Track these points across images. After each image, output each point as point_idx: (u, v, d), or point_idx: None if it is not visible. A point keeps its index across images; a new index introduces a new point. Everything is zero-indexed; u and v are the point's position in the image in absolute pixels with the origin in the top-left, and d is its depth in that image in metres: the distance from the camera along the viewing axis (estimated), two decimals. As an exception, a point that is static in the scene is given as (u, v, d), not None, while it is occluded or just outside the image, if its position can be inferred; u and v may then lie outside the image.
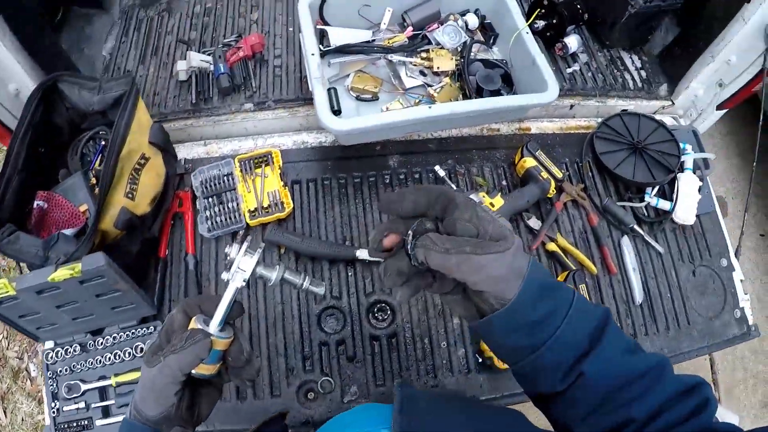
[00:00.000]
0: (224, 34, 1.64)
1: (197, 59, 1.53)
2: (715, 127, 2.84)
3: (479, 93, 1.47)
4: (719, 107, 1.66)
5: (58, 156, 1.31)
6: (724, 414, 1.68)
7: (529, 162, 1.41)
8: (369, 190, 1.43)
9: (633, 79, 1.71)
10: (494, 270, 0.55)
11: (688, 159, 1.57)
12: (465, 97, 1.47)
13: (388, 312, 1.32)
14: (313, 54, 1.37)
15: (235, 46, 1.57)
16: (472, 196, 1.35)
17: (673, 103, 1.71)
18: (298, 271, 0.77)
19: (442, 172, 1.43)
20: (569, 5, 1.66)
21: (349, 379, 1.26)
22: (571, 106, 1.64)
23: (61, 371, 1.22)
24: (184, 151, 1.50)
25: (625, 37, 1.72)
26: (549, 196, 1.42)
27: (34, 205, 1.17)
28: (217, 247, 1.38)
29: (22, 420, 2.08)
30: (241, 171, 1.42)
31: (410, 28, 1.52)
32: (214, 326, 0.67)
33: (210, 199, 1.41)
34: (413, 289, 0.62)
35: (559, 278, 1.34)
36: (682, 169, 1.56)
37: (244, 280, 0.70)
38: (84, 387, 1.20)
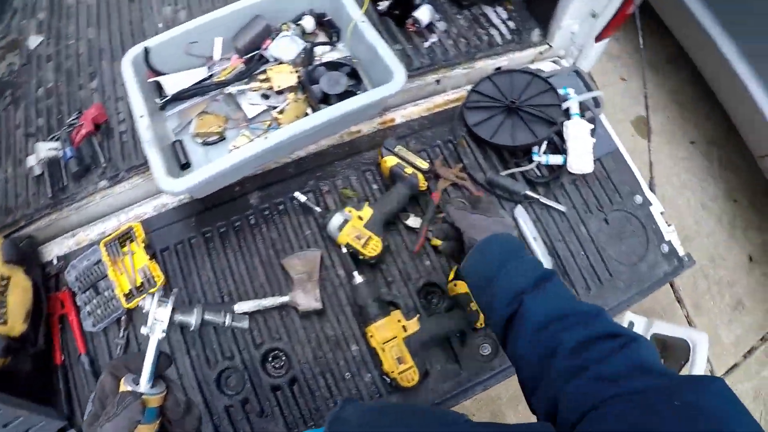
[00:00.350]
0: (68, 113, 1.57)
1: (45, 149, 1.47)
2: (615, 49, 2.68)
3: (327, 100, 1.38)
4: (598, 39, 1.52)
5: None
6: (690, 333, 1.60)
7: (390, 161, 1.31)
8: (236, 238, 1.35)
9: (501, 33, 1.58)
10: (476, 222, 0.98)
11: (573, 104, 1.44)
12: (314, 109, 1.39)
13: (283, 358, 1.25)
14: (141, 116, 1.29)
15: (77, 124, 1.50)
16: (336, 216, 1.26)
17: (551, 46, 1.58)
18: (218, 309, 0.80)
19: (302, 198, 1.33)
20: (409, -25, 1.55)
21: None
22: (438, 81, 1.53)
23: None
24: (55, 248, 1.44)
25: (480, -10, 1.60)
26: (422, 189, 1.33)
27: None
28: (107, 338, 1.33)
29: None
30: (108, 255, 1.36)
31: (235, 56, 1.42)
32: (144, 384, 0.65)
33: (88, 293, 1.35)
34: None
35: (449, 276, 1.26)
36: (568, 117, 1.44)
37: (163, 331, 0.72)
38: None
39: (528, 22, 1.61)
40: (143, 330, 0.71)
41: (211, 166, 1.21)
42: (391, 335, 1.18)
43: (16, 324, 1.19)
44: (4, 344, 1.13)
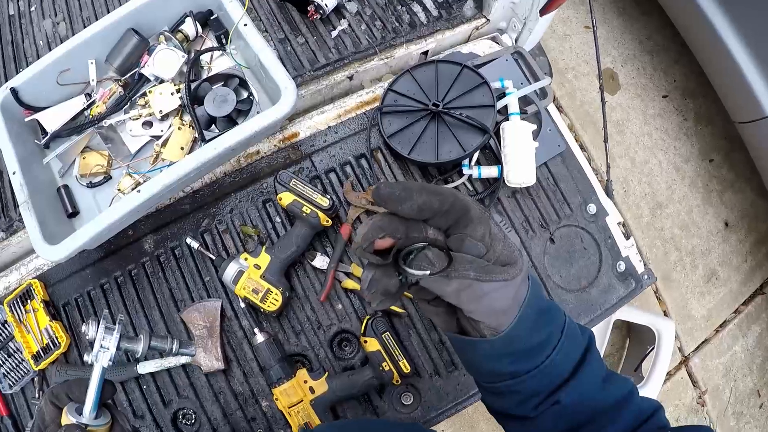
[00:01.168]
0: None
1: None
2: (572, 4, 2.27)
3: (211, 123, 1.20)
4: (543, 11, 1.23)
5: None
6: (656, 321, 1.48)
7: (286, 197, 1.13)
8: (135, 288, 1.22)
9: (425, 8, 1.30)
10: (496, 301, 0.50)
11: (511, 100, 1.20)
12: (196, 139, 1.21)
13: (193, 416, 1.17)
14: (14, 173, 1.15)
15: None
16: (230, 266, 1.14)
17: (488, 20, 1.30)
18: (164, 336, 0.81)
19: (195, 244, 1.18)
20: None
21: None
22: (351, 77, 1.29)
23: None
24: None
25: (396, -42, 1.30)
26: (326, 225, 1.16)
27: None
28: (25, 397, 1.29)
29: None
30: (12, 315, 1.29)
31: (107, 91, 1.23)
32: (87, 413, 0.62)
33: (0, 354, 1.32)
34: (392, 301, 0.53)
35: (362, 327, 1.12)
36: (507, 117, 1.21)
37: (110, 359, 0.70)
38: None
39: (459, -7, 1.32)
40: (87, 357, 0.72)
41: (85, 231, 1.07)
42: (296, 399, 1.07)
43: None
44: None
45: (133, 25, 1.25)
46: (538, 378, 0.54)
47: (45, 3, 1.48)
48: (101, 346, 0.71)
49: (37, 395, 1.26)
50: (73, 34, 1.36)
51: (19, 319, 1.27)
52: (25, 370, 1.26)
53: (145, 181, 1.17)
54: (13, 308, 1.28)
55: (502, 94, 1.21)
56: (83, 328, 0.74)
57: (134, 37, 1.23)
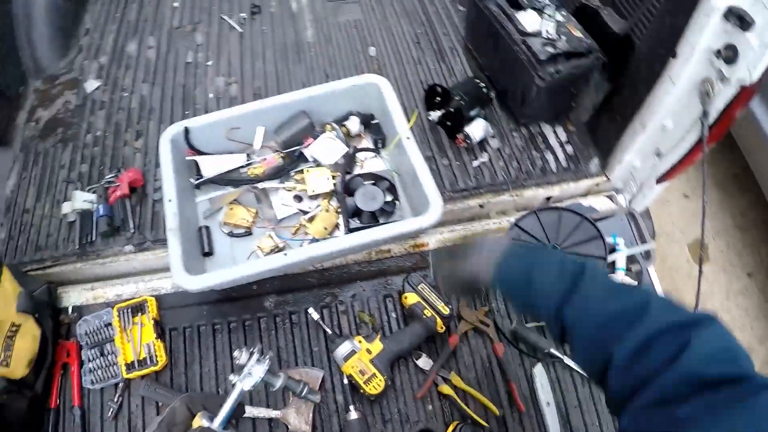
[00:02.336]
0: (109, 167, 1.63)
1: (80, 199, 1.54)
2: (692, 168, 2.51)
3: (358, 215, 1.38)
4: (660, 180, 1.44)
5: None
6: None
7: (411, 298, 1.29)
8: (244, 335, 1.37)
9: (556, 157, 1.52)
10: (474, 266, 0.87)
11: (619, 257, 1.38)
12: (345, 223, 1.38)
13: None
14: (170, 200, 1.33)
15: (114, 184, 1.57)
16: (345, 344, 1.27)
17: (609, 179, 1.51)
18: (297, 381, 0.95)
19: (315, 315, 1.34)
20: (468, 86, 1.50)
21: None
22: (481, 206, 1.49)
23: None
24: (73, 296, 1.51)
25: (542, 111, 1.53)
26: (439, 331, 1.31)
27: None
28: (102, 397, 1.38)
29: None
30: (119, 321, 1.42)
31: (272, 157, 1.43)
32: (217, 424, 0.72)
33: (93, 350, 1.41)
34: None
35: (448, 430, 1.24)
36: (613, 270, 1.38)
37: (252, 385, 0.82)
38: None
39: (587, 149, 1.54)
40: (232, 378, 0.82)
41: (228, 273, 1.23)
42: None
43: (18, 368, 1.26)
44: (2, 386, 1.20)
45: (305, 108, 1.45)
46: (542, 296, 0.74)
47: (221, 63, 1.72)
48: (250, 373, 0.82)
49: (115, 399, 1.35)
50: (242, 97, 1.58)
51: (124, 327, 1.39)
52: (113, 373, 1.38)
53: (283, 247, 1.34)
54: (121, 315, 1.42)
55: (613, 249, 1.39)
56: (236, 353, 0.85)
57: (306, 119, 1.44)
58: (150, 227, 1.51)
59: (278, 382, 0.88)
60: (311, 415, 1.28)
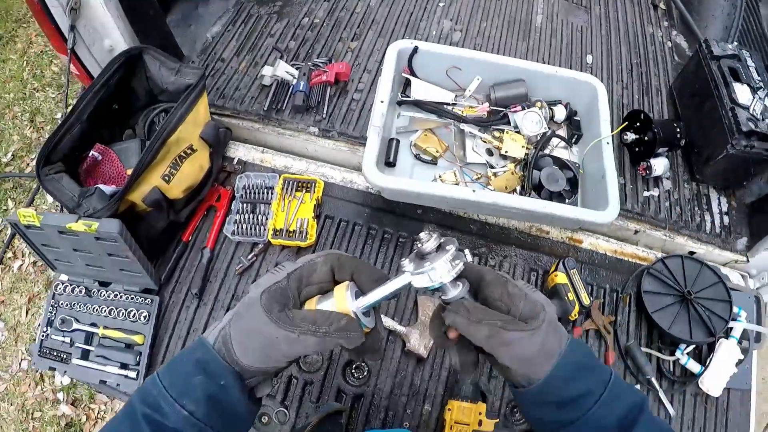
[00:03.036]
0: (318, 53, 1.76)
1: (283, 70, 1.66)
2: None
3: (538, 190, 1.49)
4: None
5: (130, 116, 1.48)
6: None
7: (561, 278, 1.42)
8: (393, 250, 1.49)
9: (713, 222, 1.65)
10: (521, 349, 0.57)
11: (738, 326, 1.50)
12: (523, 189, 1.50)
13: (365, 373, 1.38)
14: (382, 101, 1.45)
15: (321, 68, 1.68)
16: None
17: (748, 261, 1.63)
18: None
19: (470, 257, 1.46)
20: (667, 126, 1.63)
21: (304, 419, 1.32)
22: (636, 232, 1.61)
23: (62, 303, 1.38)
24: (241, 151, 1.63)
25: (719, 176, 1.66)
26: (570, 318, 1.42)
27: (90, 154, 1.35)
28: (235, 249, 1.49)
29: (38, 325, 2.34)
30: (282, 189, 1.53)
31: (486, 105, 1.56)
32: (361, 306, 0.58)
33: (245, 205, 1.53)
34: (473, 369, 0.65)
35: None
36: (727, 335, 1.50)
37: (426, 286, 0.59)
38: (75, 326, 1.36)
39: (741, 227, 1.67)
40: (405, 263, 0.61)
41: (415, 184, 1.36)
42: (466, 420, 1.28)
43: (176, 189, 1.37)
44: (156, 198, 1.30)
45: (524, 78, 1.58)
46: (582, 430, 0.58)
47: (452, 8, 1.86)
48: (432, 267, 0.58)
49: (249, 256, 1.47)
50: (462, 46, 1.70)
51: (284, 196, 1.51)
52: (257, 233, 1.49)
53: (464, 184, 1.45)
54: (286, 184, 1.54)
55: (734, 318, 1.50)
56: (423, 234, 0.61)
57: (524, 88, 1.58)
58: (340, 120, 1.63)
59: (454, 293, 0.60)
60: (431, 343, 1.39)
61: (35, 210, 1.21)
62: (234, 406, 0.58)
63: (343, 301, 0.58)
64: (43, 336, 1.36)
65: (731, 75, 1.62)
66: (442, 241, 0.62)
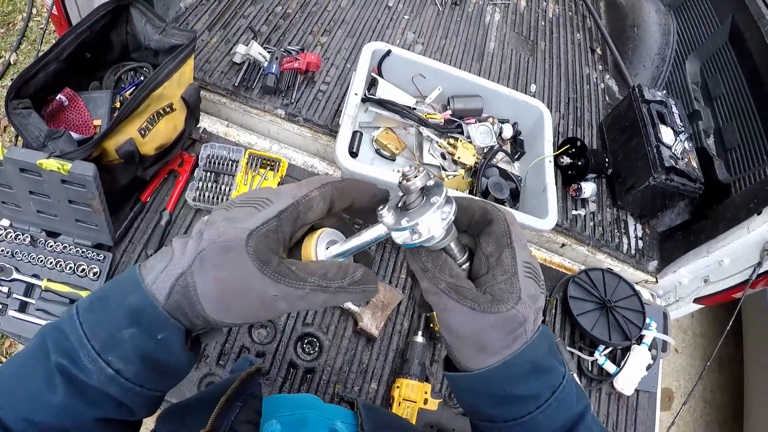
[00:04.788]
0: (290, 42, 1.89)
1: (257, 51, 1.77)
2: (690, 324, 3.13)
3: (485, 196, 1.69)
4: (697, 300, 1.87)
5: (98, 68, 1.51)
6: None
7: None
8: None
9: (629, 244, 1.94)
10: (455, 323, 0.51)
11: (649, 334, 1.77)
12: (471, 193, 1.70)
13: (316, 349, 1.48)
14: (356, 94, 1.60)
15: (293, 56, 1.81)
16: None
17: (657, 281, 1.93)
18: (463, 248, 0.55)
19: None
20: (598, 155, 1.92)
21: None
22: (563, 245, 1.87)
23: (2, 250, 1.36)
24: (206, 122, 1.71)
25: (638, 205, 1.97)
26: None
27: (57, 98, 1.37)
28: (193, 216, 1.55)
29: None
30: (247, 163, 1.62)
31: (448, 112, 1.77)
32: (330, 254, 0.52)
33: (208, 174, 1.59)
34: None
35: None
36: (639, 342, 1.76)
37: (408, 241, 0.50)
38: (15, 275, 1.34)
39: (652, 252, 1.98)
40: (383, 212, 0.50)
41: (383, 173, 1.51)
42: (414, 398, 1.42)
43: (149, 145, 1.42)
44: (130, 150, 1.35)
45: (480, 94, 1.80)
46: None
47: (415, 23, 2.10)
48: (422, 223, 0.48)
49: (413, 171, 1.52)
50: (424, 56, 1.91)
51: (247, 170, 1.61)
52: (217, 201, 1.58)
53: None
54: (251, 160, 1.65)
55: (646, 327, 1.77)
56: (407, 169, 0.50)
57: (480, 103, 1.80)
58: (308, 107, 1.76)
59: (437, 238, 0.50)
60: (383, 322, 1.52)
61: (-1, 144, 1.20)
62: (172, 360, 0.49)
63: (309, 252, 0.51)
64: (-26, 282, 1.33)
65: (658, 117, 1.95)
66: (429, 183, 0.52)
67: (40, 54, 1.31)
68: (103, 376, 0.45)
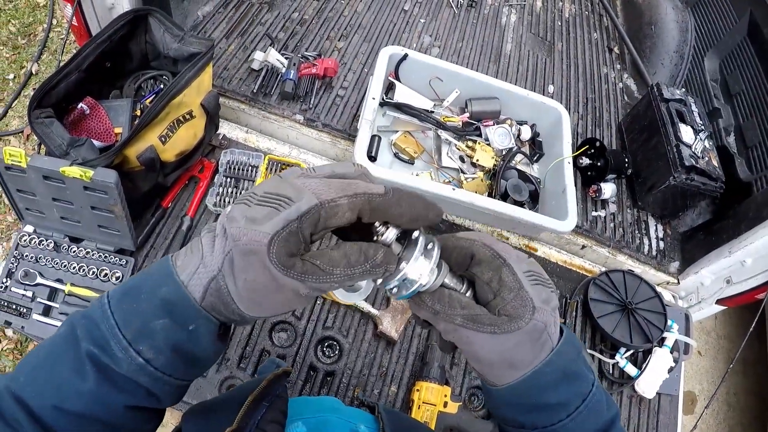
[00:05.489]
0: (307, 48, 1.90)
1: (275, 57, 1.78)
2: (714, 326, 3.08)
3: (504, 198, 1.69)
4: (719, 302, 1.84)
5: (119, 77, 1.53)
6: None
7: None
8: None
9: (650, 245, 1.92)
10: (482, 351, 0.51)
11: (671, 337, 1.74)
12: (490, 196, 1.69)
13: (337, 351, 1.49)
14: (373, 98, 1.61)
15: (311, 61, 1.82)
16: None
17: (678, 283, 1.91)
18: (460, 278, 0.54)
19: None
20: (617, 155, 1.90)
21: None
22: (583, 247, 1.85)
23: (27, 255, 1.38)
24: (226, 129, 1.72)
25: (658, 205, 1.94)
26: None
27: (78, 106, 1.39)
28: (214, 221, 1.56)
29: None
30: (266, 169, 1.63)
31: (466, 115, 1.76)
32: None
33: (228, 180, 1.61)
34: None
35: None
36: (661, 344, 1.74)
37: (403, 296, 0.50)
38: (39, 280, 1.36)
39: (674, 253, 1.95)
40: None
41: (402, 176, 1.51)
42: (433, 401, 1.42)
43: (169, 152, 1.44)
44: (151, 157, 1.36)
45: (497, 96, 1.80)
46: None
47: (431, 26, 2.11)
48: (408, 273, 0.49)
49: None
50: (441, 59, 1.91)
51: (267, 175, 1.63)
52: None
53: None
54: (271, 165, 1.66)
55: (667, 330, 1.75)
56: (376, 224, 0.48)
57: (498, 105, 1.79)
58: (326, 112, 1.77)
59: (428, 284, 0.50)
60: (403, 326, 1.52)
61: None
62: (201, 351, 0.50)
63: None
64: (1, 288, 1.35)
65: (678, 116, 1.92)
66: (400, 230, 0.49)
67: (61, 64, 1.33)
68: (133, 365, 0.46)
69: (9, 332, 2.12)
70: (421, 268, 0.49)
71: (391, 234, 0.48)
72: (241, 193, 1.59)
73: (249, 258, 0.44)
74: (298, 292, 0.46)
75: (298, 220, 0.44)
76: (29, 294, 1.35)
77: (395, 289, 0.50)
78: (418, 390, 1.44)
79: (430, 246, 0.50)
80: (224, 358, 1.39)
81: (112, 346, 0.46)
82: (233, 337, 1.42)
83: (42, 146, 1.31)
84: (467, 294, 0.53)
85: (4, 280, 1.36)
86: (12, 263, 1.38)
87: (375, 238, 0.49)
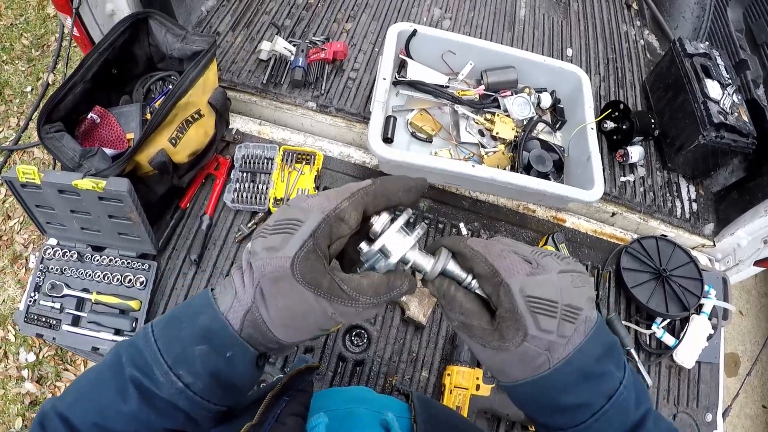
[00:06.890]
0: (314, 33, 1.83)
1: (282, 45, 1.72)
2: (754, 284, 2.95)
3: (527, 170, 1.61)
4: (757, 263, 1.74)
5: (126, 83, 1.50)
6: None
7: (548, 249, 1.54)
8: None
9: (682, 208, 1.82)
10: (476, 352, 0.54)
11: (708, 303, 1.66)
12: (513, 169, 1.62)
13: (365, 339, 1.45)
14: (384, 78, 1.54)
15: (319, 46, 1.75)
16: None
17: (714, 245, 1.81)
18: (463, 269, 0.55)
19: (464, 231, 1.57)
20: (643, 116, 1.79)
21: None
22: (613, 214, 1.76)
23: (52, 268, 1.37)
24: (239, 122, 1.68)
25: (689, 165, 1.83)
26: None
27: (88, 116, 1.35)
28: (234, 218, 1.53)
29: (3, 301, 2.27)
30: (282, 160, 1.59)
31: (482, 87, 1.68)
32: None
33: (244, 174, 1.57)
34: None
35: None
36: (698, 311, 1.65)
37: (389, 266, 0.53)
38: (66, 291, 1.35)
39: (708, 214, 1.84)
40: (363, 247, 0.53)
41: (418, 157, 1.44)
42: (465, 384, 1.38)
43: (181, 153, 1.40)
44: (163, 160, 1.33)
45: (513, 65, 1.71)
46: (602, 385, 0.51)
47: None
48: (384, 247, 0.52)
49: (249, 225, 1.54)
50: (452, 31, 1.82)
51: (283, 167, 1.57)
52: (255, 202, 1.55)
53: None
54: (286, 156, 1.60)
55: (705, 296, 1.66)
56: (373, 218, 0.52)
57: (514, 74, 1.70)
58: (338, 97, 1.70)
59: (428, 267, 0.54)
60: (431, 309, 1.47)
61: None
62: (238, 377, 0.51)
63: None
64: (30, 302, 1.35)
65: (703, 71, 1.79)
66: (393, 216, 0.53)
67: (66, 77, 1.30)
68: (173, 388, 0.48)
69: (22, 355, 2.16)
70: (396, 241, 0.52)
71: (384, 217, 0.52)
72: (258, 187, 1.55)
73: (278, 285, 0.47)
74: (328, 314, 0.48)
75: (311, 237, 0.47)
76: (57, 306, 1.35)
77: (378, 263, 0.53)
78: (449, 374, 1.40)
79: (417, 229, 0.54)
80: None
81: (155, 370, 0.49)
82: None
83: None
84: (473, 283, 0.53)
85: (33, 294, 1.35)
86: (38, 277, 1.37)
87: (369, 227, 0.52)
